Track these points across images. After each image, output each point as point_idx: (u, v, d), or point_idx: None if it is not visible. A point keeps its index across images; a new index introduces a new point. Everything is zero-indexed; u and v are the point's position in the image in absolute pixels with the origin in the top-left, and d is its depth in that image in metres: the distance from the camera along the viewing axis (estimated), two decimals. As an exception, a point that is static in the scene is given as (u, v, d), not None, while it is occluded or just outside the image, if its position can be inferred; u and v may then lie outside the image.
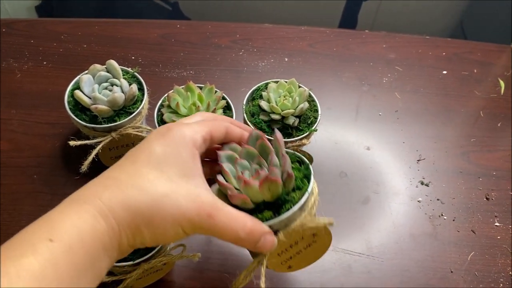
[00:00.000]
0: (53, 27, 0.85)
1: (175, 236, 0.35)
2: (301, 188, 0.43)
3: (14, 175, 0.67)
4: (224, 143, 0.45)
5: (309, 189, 0.43)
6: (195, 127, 0.40)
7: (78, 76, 0.65)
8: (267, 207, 0.42)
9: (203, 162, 0.43)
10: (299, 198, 0.42)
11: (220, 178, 0.42)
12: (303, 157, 0.46)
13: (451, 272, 0.62)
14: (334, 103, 0.78)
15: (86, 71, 0.65)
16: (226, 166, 0.43)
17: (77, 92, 0.62)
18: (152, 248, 0.52)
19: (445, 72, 0.85)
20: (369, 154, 0.73)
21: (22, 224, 0.63)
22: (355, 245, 0.64)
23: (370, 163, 0.72)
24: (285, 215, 0.41)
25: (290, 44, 0.86)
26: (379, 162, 0.73)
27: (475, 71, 0.86)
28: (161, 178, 0.35)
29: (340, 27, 1.42)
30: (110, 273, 0.53)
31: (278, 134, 0.44)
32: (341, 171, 0.71)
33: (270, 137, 0.62)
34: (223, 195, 0.42)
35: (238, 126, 0.46)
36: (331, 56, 0.85)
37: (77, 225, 0.31)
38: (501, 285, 0.61)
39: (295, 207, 0.41)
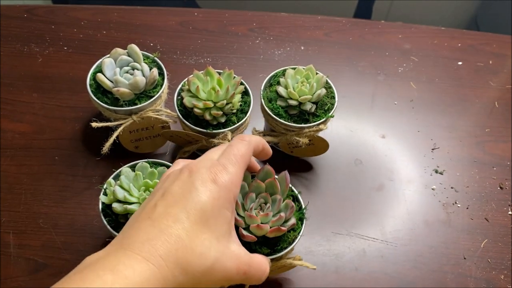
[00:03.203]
0: (73, 14, 0.86)
1: None
2: (295, 229, 0.52)
3: (36, 156, 0.69)
4: None
5: (301, 232, 0.52)
6: (235, 174, 0.40)
7: (100, 60, 0.67)
8: (264, 241, 0.51)
9: None
10: (292, 240, 0.52)
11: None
12: (297, 193, 0.55)
13: (464, 258, 0.63)
14: (349, 92, 0.79)
15: (108, 55, 0.66)
16: (239, 200, 0.50)
17: (99, 75, 0.63)
18: None
19: (460, 63, 0.85)
20: (384, 142, 0.74)
21: (44, 204, 0.64)
22: (370, 230, 0.65)
23: (385, 151, 0.73)
24: (279, 254, 0.51)
25: (306, 33, 0.87)
26: (394, 150, 0.73)
27: (491, 62, 0.86)
28: (212, 239, 0.37)
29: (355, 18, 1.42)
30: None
31: (287, 175, 0.51)
32: (356, 158, 0.72)
33: (287, 123, 0.63)
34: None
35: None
36: (347, 45, 0.86)
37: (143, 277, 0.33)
38: (514, 272, 0.62)
39: (289, 248, 0.51)
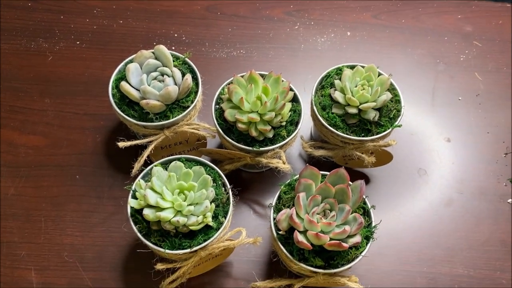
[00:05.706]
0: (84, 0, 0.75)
1: None
2: (358, 247, 0.45)
3: (54, 176, 0.60)
4: None
5: (364, 252, 0.45)
6: None
7: (122, 63, 0.57)
8: (320, 251, 0.45)
9: None
10: (353, 258, 0.45)
11: (294, 214, 0.44)
12: (370, 208, 0.48)
13: (551, 286, 0.55)
14: (407, 85, 0.68)
15: (132, 57, 0.56)
16: (302, 200, 0.44)
17: (124, 84, 0.53)
18: (211, 235, 0.47)
19: (530, 46, 0.74)
20: (449, 146, 0.64)
21: (68, 233, 0.56)
22: (440, 255, 0.57)
23: (451, 158, 0.64)
24: (333, 270, 0.45)
25: (352, 15, 0.76)
26: (462, 156, 0.64)
27: None
28: None
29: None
30: (163, 259, 0.48)
31: (363, 184, 0.45)
32: (419, 168, 0.63)
33: (345, 135, 0.53)
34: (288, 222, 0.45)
35: None
36: (399, 29, 0.74)
37: None
38: None
39: (346, 266, 0.45)
